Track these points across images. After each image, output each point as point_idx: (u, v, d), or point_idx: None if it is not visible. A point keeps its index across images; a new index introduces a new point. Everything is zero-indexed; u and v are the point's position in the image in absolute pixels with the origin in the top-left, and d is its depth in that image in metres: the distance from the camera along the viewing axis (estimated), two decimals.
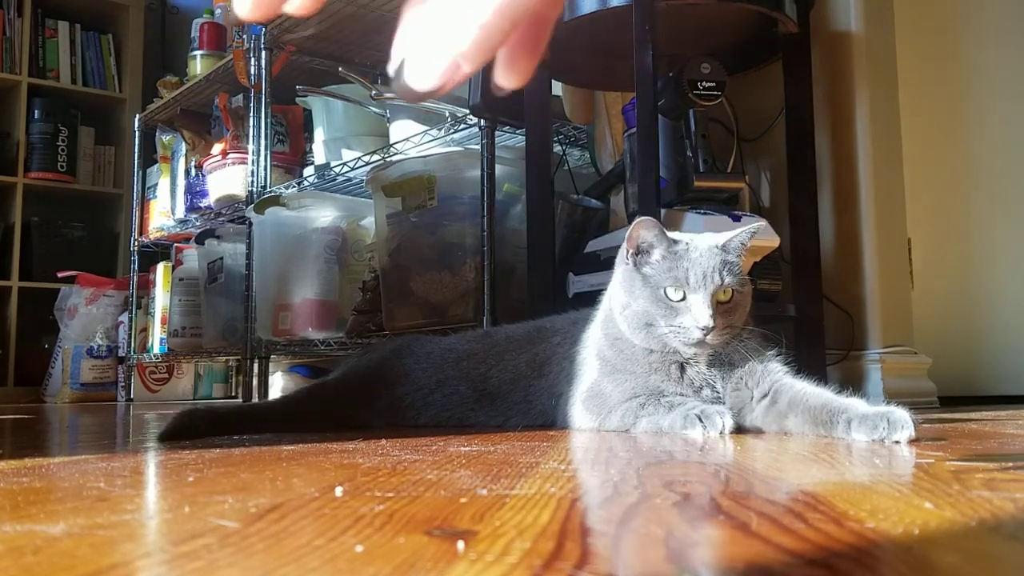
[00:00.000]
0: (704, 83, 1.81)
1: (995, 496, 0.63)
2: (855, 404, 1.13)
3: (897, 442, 1.04)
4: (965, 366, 2.50)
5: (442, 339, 1.68)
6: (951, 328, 2.50)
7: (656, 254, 1.28)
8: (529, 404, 1.49)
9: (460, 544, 0.48)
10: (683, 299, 1.24)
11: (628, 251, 1.29)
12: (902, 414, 1.06)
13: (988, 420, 1.47)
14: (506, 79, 0.39)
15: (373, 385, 1.61)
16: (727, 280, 1.24)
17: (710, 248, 1.27)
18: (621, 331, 1.33)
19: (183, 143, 3.58)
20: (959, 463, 0.81)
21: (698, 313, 1.22)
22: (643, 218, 1.27)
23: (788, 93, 2.08)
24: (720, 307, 1.24)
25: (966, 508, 0.60)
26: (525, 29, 0.36)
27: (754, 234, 1.30)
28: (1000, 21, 2.62)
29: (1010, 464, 0.80)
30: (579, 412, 1.39)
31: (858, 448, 1.02)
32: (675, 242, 1.28)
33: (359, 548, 0.47)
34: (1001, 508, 0.58)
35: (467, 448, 1.04)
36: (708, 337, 1.22)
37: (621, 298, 1.30)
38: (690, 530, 0.53)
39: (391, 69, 0.38)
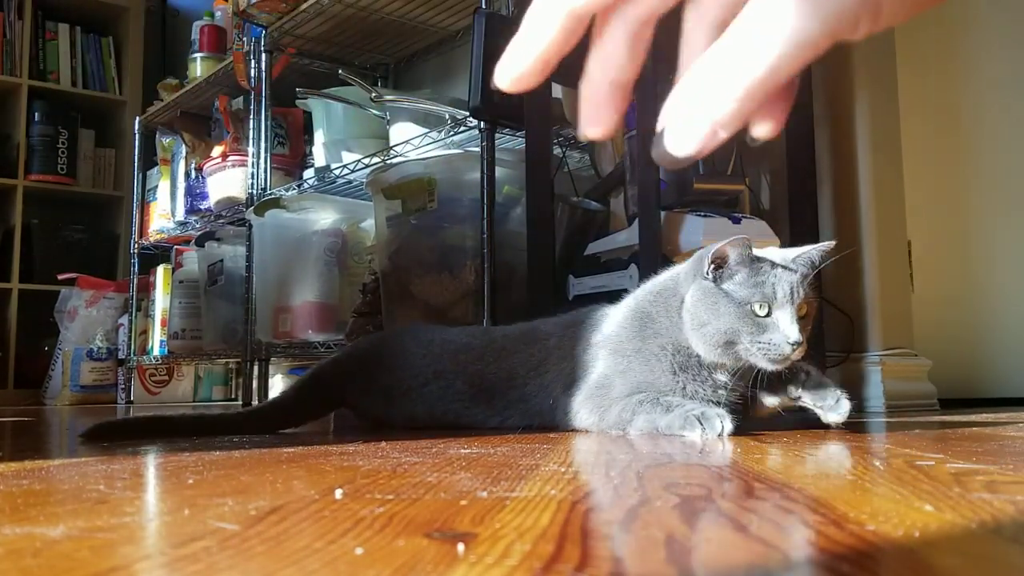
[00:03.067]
0: None
1: (996, 499, 0.63)
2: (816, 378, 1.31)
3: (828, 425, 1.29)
4: (966, 368, 2.50)
5: (444, 329, 1.68)
6: (951, 331, 2.50)
7: (742, 272, 1.27)
8: (527, 403, 1.49)
9: (460, 546, 0.48)
10: (768, 315, 1.23)
11: (708, 267, 1.28)
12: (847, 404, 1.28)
13: (989, 423, 1.47)
14: (762, 131, 0.41)
15: (372, 365, 1.61)
16: (805, 294, 1.25)
17: (786, 264, 1.28)
18: (659, 331, 1.34)
19: (183, 145, 3.59)
20: (960, 465, 0.81)
21: (788, 329, 1.22)
22: (737, 237, 1.25)
23: None
24: (800, 322, 1.24)
25: (967, 511, 0.60)
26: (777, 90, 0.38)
27: (824, 252, 1.30)
28: (1001, 21, 2.62)
29: (1011, 467, 0.80)
30: (579, 408, 1.39)
31: (858, 451, 1.02)
32: (759, 259, 1.28)
33: (359, 550, 0.47)
34: (1002, 511, 0.58)
35: (467, 450, 1.04)
36: (794, 353, 1.22)
37: (700, 315, 1.28)
38: (690, 532, 0.53)
39: (655, 139, 0.41)
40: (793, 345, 1.21)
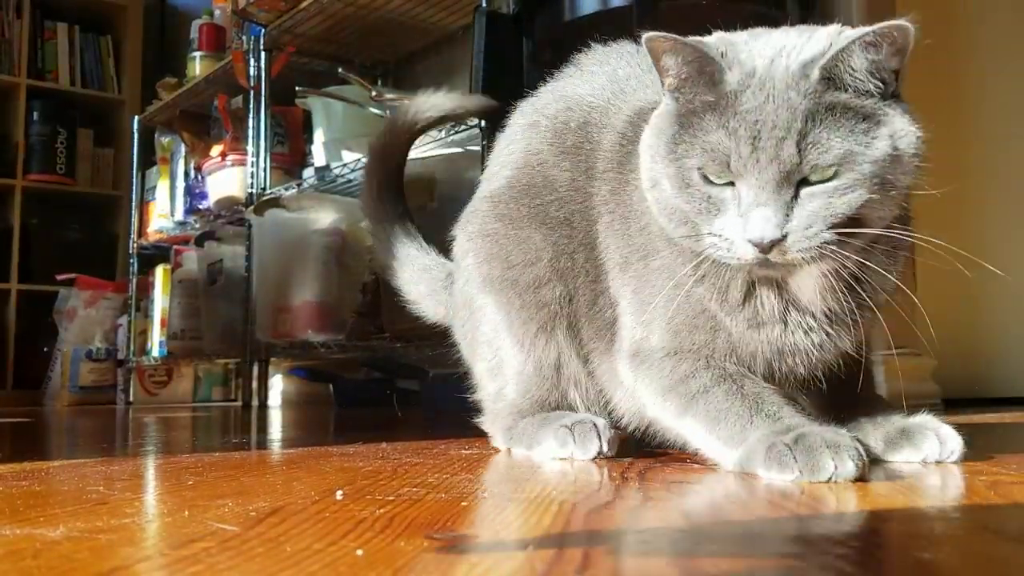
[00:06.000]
0: None
1: (999, 498, 0.63)
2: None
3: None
4: (970, 368, 2.49)
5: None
6: (956, 330, 2.50)
7: (689, 88, 0.80)
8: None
9: (460, 548, 0.48)
10: (726, 186, 0.76)
11: (663, 82, 0.83)
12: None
13: (993, 423, 1.47)
14: None
15: None
16: (819, 140, 0.72)
17: (777, 73, 0.76)
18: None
19: (182, 145, 3.57)
20: (963, 465, 0.81)
21: (752, 211, 0.73)
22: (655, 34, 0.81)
23: None
24: (813, 199, 0.73)
25: (970, 510, 0.60)
26: None
27: (870, 42, 0.77)
28: (1001, 22, 2.62)
29: (1014, 466, 0.80)
30: (644, 378, 0.88)
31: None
32: (713, 60, 0.79)
33: (359, 552, 0.47)
34: (1005, 511, 0.58)
35: (468, 451, 1.04)
36: (768, 256, 0.74)
37: (649, 169, 0.82)
38: (691, 533, 0.53)
39: None
40: (757, 244, 0.73)
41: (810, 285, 0.80)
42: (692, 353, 0.85)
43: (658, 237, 0.86)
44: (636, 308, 0.88)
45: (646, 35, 0.82)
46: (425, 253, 1.26)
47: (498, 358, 1.01)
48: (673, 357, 0.85)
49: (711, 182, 0.76)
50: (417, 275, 1.24)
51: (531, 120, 1.04)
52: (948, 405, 2.21)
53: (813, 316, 0.81)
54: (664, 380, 0.86)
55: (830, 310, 0.81)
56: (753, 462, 0.75)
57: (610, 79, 1.01)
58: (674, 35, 0.80)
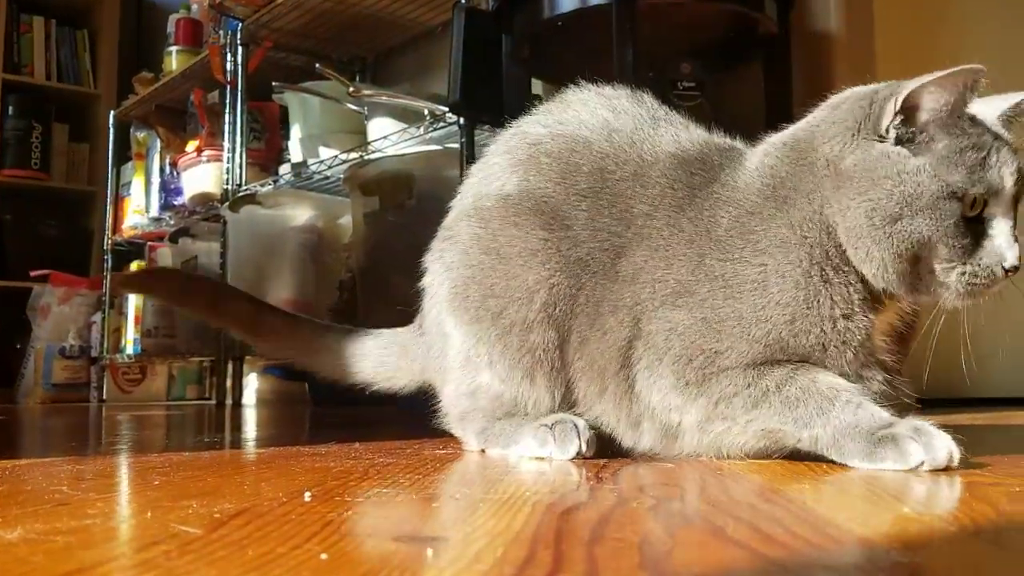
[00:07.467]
0: (684, 83, 1.80)
1: (975, 501, 0.62)
2: None
3: None
4: (944, 369, 2.51)
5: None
6: (927, 331, 2.51)
7: (944, 138, 0.80)
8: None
9: (429, 551, 0.47)
10: (977, 217, 0.79)
11: (892, 117, 0.82)
12: None
13: (967, 424, 1.48)
14: None
15: None
16: None
17: (1000, 131, 0.82)
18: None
19: (158, 140, 3.54)
20: (939, 468, 0.80)
21: (1005, 243, 0.79)
22: (954, 70, 0.78)
23: (768, 93, 2.07)
24: None
25: (946, 513, 0.59)
26: None
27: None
28: (980, 20, 2.63)
29: (989, 468, 0.80)
30: (663, 380, 0.87)
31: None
32: (972, 118, 0.81)
33: (324, 556, 0.45)
34: (982, 513, 0.58)
35: (442, 451, 1.03)
36: (1000, 284, 0.81)
37: (878, 201, 0.80)
38: (664, 535, 0.52)
39: None
40: (1009, 271, 0.79)
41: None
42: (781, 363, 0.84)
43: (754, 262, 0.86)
44: (700, 334, 0.86)
45: None
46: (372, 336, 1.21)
47: (475, 382, 0.99)
48: (756, 368, 0.84)
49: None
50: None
51: (527, 155, 1.01)
52: (927, 405, 2.21)
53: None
54: (730, 389, 0.84)
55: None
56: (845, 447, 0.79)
57: (608, 126, 1.01)
58: None
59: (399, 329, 1.18)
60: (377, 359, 1.18)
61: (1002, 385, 2.45)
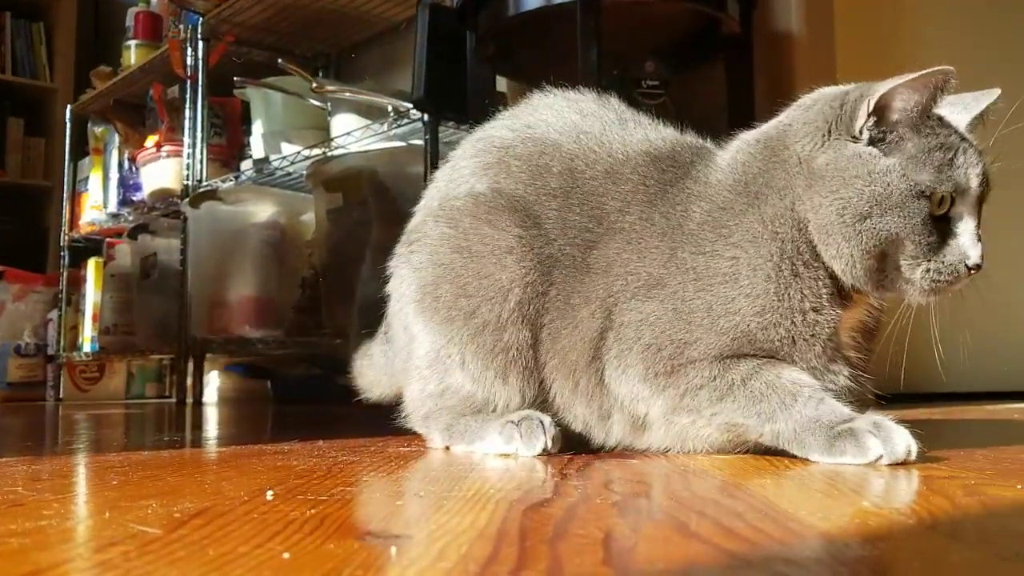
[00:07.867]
0: (648, 82, 1.81)
1: (932, 494, 0.63)
2: None
3: None
4: (900, 363, 2.54)
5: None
6: (900, 328, 2.54)
7: (914, 138, 0.83)
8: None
9: (393, 549, 0.47)
10: (945, 216, 0.83)
11: (864, 118, 0.85)
12: None
13: (924, 419, 1.50)
14: None
15: None
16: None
17: (966, 134, 0.86)
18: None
19: (116, 135, 3.49)
20: (898, 462, 0.82)
21: (968, 242, 0.82)
22: (926, 72, 0.81)
23: (731, 92, 2.09)
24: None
25: (905, 507, 0.60)
26: None
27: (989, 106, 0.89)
28: (941, 21, 2.67)
29: (945, 462, 0.81)
30: (632, 369, 0.88)
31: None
32: (940, 119, 0.85)
33: (286, 555, 0.45)
34: (938, 506, 0.58)
35: (406, 448, 1.02)
36: (963, 281, 0.84)
37: (849, 199, 0.83)
38: (628, 531, 0.52)
39: None
40: (972, 269, 0.83)
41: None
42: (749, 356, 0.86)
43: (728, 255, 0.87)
44: (670, 325, 0.87)
45: None
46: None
47: (444, 383, 0.99)
48: (722, 361, 0.85)
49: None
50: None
51: (497, 158, 1.01)
52: (888, 401, 2.25)
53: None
54: (696, 381, 0.86)
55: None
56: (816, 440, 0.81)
57: (576, 128, 1.01)
58: None
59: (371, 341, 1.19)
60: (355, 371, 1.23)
61: (961, 381, 2.49)
